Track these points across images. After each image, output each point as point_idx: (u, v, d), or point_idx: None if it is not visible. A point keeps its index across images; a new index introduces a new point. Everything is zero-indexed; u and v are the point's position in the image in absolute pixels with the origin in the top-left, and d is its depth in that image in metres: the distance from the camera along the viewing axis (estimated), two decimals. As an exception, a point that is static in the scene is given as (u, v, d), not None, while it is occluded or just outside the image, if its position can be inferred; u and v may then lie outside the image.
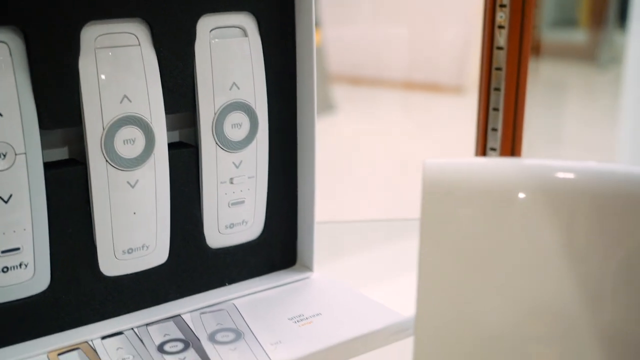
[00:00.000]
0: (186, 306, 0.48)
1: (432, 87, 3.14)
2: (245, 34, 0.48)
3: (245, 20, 0.48)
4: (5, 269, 0.42)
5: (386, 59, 3.16)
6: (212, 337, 0.45)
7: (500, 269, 0.37)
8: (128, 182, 0.45)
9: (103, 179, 0.44)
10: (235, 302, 0.50)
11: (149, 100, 0.45)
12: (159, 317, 0.47)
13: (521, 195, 0.37)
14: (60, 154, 0.45)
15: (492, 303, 0.38)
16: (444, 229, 0.37)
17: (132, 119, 0.44)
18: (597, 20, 3.53)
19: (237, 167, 0.49)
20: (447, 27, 3.11)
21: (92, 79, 0.43)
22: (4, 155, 0.41)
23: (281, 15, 0.50)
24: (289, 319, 0.48)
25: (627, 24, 2.30)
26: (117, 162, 0.44)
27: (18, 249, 0.42)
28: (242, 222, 0.51)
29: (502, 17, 0.60)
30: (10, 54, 0.41)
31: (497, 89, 0.62)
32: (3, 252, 0.42)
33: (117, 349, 0.44)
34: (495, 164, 0.38)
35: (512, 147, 0.63)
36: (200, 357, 0.43)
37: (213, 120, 0.48)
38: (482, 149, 0.64)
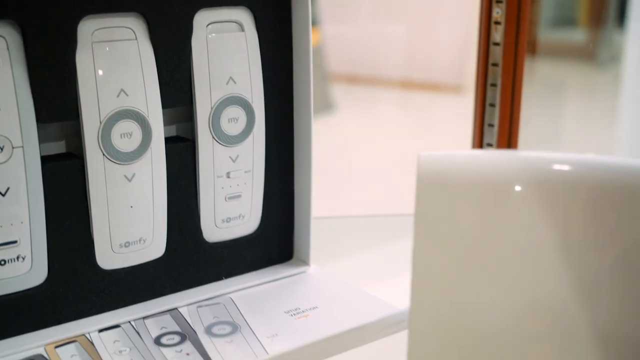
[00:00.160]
0: (183, 299, 0.49)
1: (431, 87, 3.14)
2: (242, 29, 0.49)
3: (242, 15, 0.49)
4: (2, 262, 0.42)
5: (386, 58, 3.16)
6: (208, 330, 0.46)
7: (495, 262, 0.37)
8: (125, 176, 0.45)
9: (100, 172, 0.44)
10: (232, 295, 0.50)
11: (146, 94, 0.45)
12: (156, 311, 0.47)
13: (517, 187, 0.37)
14: (58, 147, 0.45)
15: (486, 296, 0.38)
16: (439, 221, 0.37)
17: (129, 112, 0.45)
18: (596, 19, 3.53)
19: (233, 161, 0.50)
20: (446, 26, 3.11)
21: (89, 73, 0.43)
22: (1, 149, 0.41)
23: (278, 11, 0.50)
24: (285, 312, 0.48)
25: (626, 24, 2.30)
26: (114, 155, 0.45)
27: (15, 242, 0.43)
28: (239, 216, 0.51)
29: (498, 12, 0.61)
30: (8, 48, 0.41)
31: (494, 85, 0.62)
32: (0, 245, 0.42)
33: (114, 341, 0.44)
34: (491, 156, 0.38)
35: (508, 142, 0.63)
36: (197, 349, 0.44)
37: (210, 114, 0.48)
38: (479, 145, 0.64)
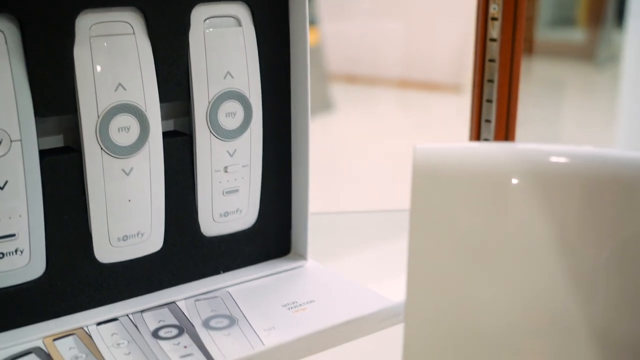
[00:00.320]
0: (181, 293, 0.49)
1: (430, 86, 3.14)
2: (239, 24, 0.49)
3: (239, 10, 0.49)
4: (1, 255, 0.43)
5: (385, 58, 3.16)
6: (206, 323, 0.46)
7: (491, 254, 0.37)
8: (123, 170, 0.45)
9: (98, 166, 0.45)
10: (230, 289, 0.50)
11: (144, 88, 0.45)
12: (153, 304, 0.47)
13: (513, 179, 0.37)
14: (56, 141, 0.45)
15: (482, 289, 0.38)
16: (435, 214, 0.37)
17: (127, 107, 0.45)
18: (595, 19, 3.54)
19: (231, 155, 0.50)
20: (445, 26, 3.11)
21: (87, 67, 0.44)
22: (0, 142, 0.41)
23: (275, 5, 0.50)
24: (282, 306, 0.48)
25: (625, 23, 2.31)
26: (112, 149, 0.45)
27: (14, 235, 0.43)
28: (237, 210, 0.51)
29: (495, 9, 0.61)
30: (6, 42, 0.41)
31: (491, 81, 0.63)
32: (-1, 238, 0.42)
33: (112, 334, 0.44)
34: (487, 148, 0.38)
35: (505, 138, 0.63)
36: (195, 342, 0.44)
37: (207, 109, 0.48)
38: (476, 141, 0.64)
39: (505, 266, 0.37)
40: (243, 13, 0.49)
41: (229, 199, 0.51)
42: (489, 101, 0.63)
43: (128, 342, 0.44)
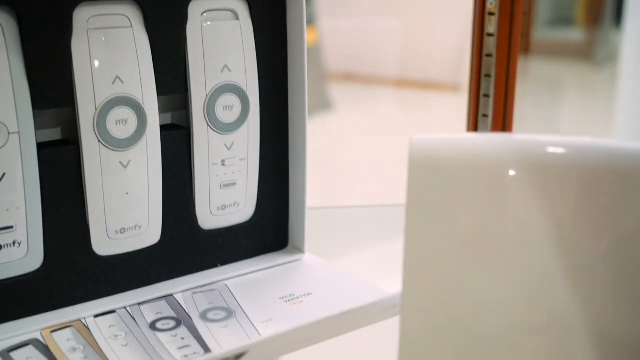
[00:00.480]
0: (178, 286, 0.49)
1: (429, 85, 3.14)
2: (237, 17, 0.49)
3: (237, 4, 0.49)
4: (-2, 247, 0.43)
5: (384, 57, 3.16)
6: (203, 316, 0.46)
7: (487, 245, 0.37)
8: (120, 163, 0.46)
9: (95, 158, 0.45)
10: (227, 282, 0.50)
11: (141, 81, 0.45)
12: (151, 297, 0.48)
13: (510, 169, 0.37)
14: (53, 134, 0.45)
15: (479, 280, 0.38)
16: (431, 204, 0.37)
17: (124, 99, 0.45)
18: (594, 18, 3.54)
19: (228, 149, 0.50)
20: (444, 25, 3.11)
21: (85, 60, 0.44)
22: (-2, 134, 0.41)
23: (272, -1, 0.50)
24: (280, 299, 0.48)
25: (623, 23, 2.31)
26: (109, 142, 0.45)
27: (12, 227, 0.43)
28: (234, 204, 0.51)
29: (492, 3, 0.61)
30: (4, 35, 0.41)
31: (488, 76, 0.63)
32: (-3, 230, 0.42)
33: (110, 326, 0.45)
34: (484, 138, 0.38)
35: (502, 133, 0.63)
36: (192, 334, 0.44)
37: (205, 102, 0.48)
38: (473, 136, 0.64)
39: (502, 257, 0.37)
40: (240, 7, 0.49)
41: (226, 193, 0.51)
42: (486, 96, 0.63)
43: (126, 333, 0.44)
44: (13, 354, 0.41)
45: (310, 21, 2.77)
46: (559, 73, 3.32)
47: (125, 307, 0.47)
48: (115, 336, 0.44)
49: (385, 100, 3.05)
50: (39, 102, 0.43)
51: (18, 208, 0.43)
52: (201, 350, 0.42)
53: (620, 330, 0.36)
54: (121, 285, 0.48)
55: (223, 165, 0.50)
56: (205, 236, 0.51)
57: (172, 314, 0.46)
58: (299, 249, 0.54)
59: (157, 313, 0.46)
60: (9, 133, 0.42)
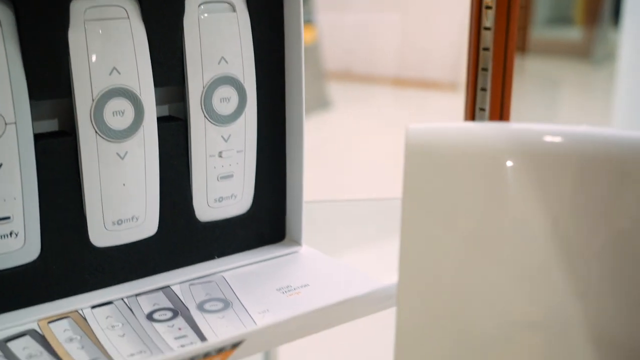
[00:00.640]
0: (175, 278, 0.49)
1: (428, 84, 3.15)
2: (234, 9, 0.49)
3: (234, -4, 0.49)
4: (-5, 238, 0.43)
5: (383, 56, 3.16)
6: (200, 307, 0.46)
7: (484, 234, 0.37)
8: (117, 154, 0.46)
9: (92, 149, 0.45)
10: (224, 274, 0.50)
11: (138, 72, 0.46)
12: (148, 288, 0.48)
13: (507, 158, 0.37)
14: (50, 125, 0.45)
15: (475, 268, 0.38)
16: (427, 192, 0.37)
17: (121, 90, 0.45)
18: (592, 18, 3.54)
19: (225, 140, 0.50)
20: (443, 25, 3.11)
21: (82, 51, 0.44)
22: (-6, 124, 0.41)
23: (269, -9, 0.50)
24: (277, 290, 0.48)
25: (621, 22, 2.31)
26: (106, 133, 0.45)
27: (8, 217, 0.43)
28: (231, 195, 0.51)
29: (489, -3, 0.61)
30: (1, 26, 0.41)
31: (485, 69, 0.63)
32: (-7, 220, 0.42)
33: (107, 317, 0.45)
34: (480, 127, 0.38)
35: (499, 127, 0.64)
36: (189, 324, 0.44)
37: (202, 93, 0.48)
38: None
39: (499, 245, 0.37)
40: (237, -2, 0.49)
41: (223, 184, 0.51)
42: (483, 90, 0.63)
43: (122, 324, 0.44)
44: (10, 344, 0.41)
45: (309, 20, 2.77)
46: (557, 72, 3.33)
47: (122, 298, 0.47)
48: (112, 327, 0.44)
49: (383, 99, 3.05)
50: (36, 93, 0.43)
51: (15, 199, 0.43)
52: (198, 340, 0.42)
53: (617, 326, 0.36)
54: (118, 276, 0.48)
55: (220, 157, 0.50)
56: (203, 228, 0.51)
57: (169, 304, 0.46)
58: (296, 242, 0.54)
59: (154, 304, 0.46)
60: (5, 124, 0.42)
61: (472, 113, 0.64)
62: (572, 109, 2.87)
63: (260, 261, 0.52)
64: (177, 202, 0.49)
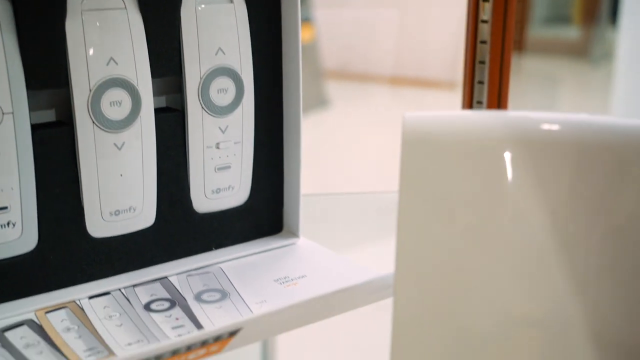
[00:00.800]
0: (173, 269, 0.49)
1: (427, 83, 3.15)
2: (231, 0, 0.49)
3: (231, -13, 0.49)
4: (-7, 227, 0.43)
5: (381, 55, 3.16)
6: (198, 297, 0.46)
7: (480, 222, 0.37)
8: (115, 144, 0.46)
9: (90, 140, 0.45)
10: (222, 265, 0.50)
11: (135, 63, 0.46)
12: (145, 279, 0.48)
13: (504, 145, 0.37)
14: (48, 116, 0.45)
15: (472, 256, 0.37)
16: (424, 180, 0.37)
17: (119, 81, 0.45)
18: (590, 17, 3.55)
19: (223, 132, 0.50)
20: (441, 24, 3.12)
21: (79, 41, 0.44)
22: (-9, 114, 0.41)
23: (266, -17, 0.50)
24: (274, 281, 0.48)
25: (619, 21, 2.31)
26: (103, 123, 0.45)
27: (6, 207, 0.43)
28: (229, 187, 0.51)
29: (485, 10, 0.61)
30: (-2, 15, 0.41)
31: (482, 62, 0.63)
32: (-9, 210, 0.42)
33: (104, 307, 0.45)
34: (478, 115, 0.38)
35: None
36: (187, 314, 0.44)
37: (199, 85, 0.48)
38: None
39: (495, 233, 0.37)
40: (234, -10, 0.49)
41: (221, 176, 0.51)
42: (481, 83, 0.63)
43: (120, 314, 0.44)
44: (7, 334, 0.41)
45: (307, 18, 2.77)
46: (555, 71, 3.33)
47: (119, 289, 0.47)
48: (110, 317, 0.44)
49: (381, 98, 3.05)
50: (33, 82, 0.43)
51: (12, 189, 0.43)
52: (195, 330, 0.42)
53: (615, 322, 0.36)
54: (116, 267, 0.48)
55: (217, 148, 0.50)
56: (200, 219, 0.51)
57: (167, 295, 0.46)
58: (294, 234, 0.54)
59: (152, 295, 0.46)
60: (2, 113, 0.42)
61: (469, 106, 0.64)
62: (570, 107, 2.87)
63: (258, 252, 0.52)
64: (174, 193, 0.49)
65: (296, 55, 0.51)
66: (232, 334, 0.38)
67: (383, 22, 3.12)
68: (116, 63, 0.45)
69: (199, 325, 0.43)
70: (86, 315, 0.44)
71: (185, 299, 0.46)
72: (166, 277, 0.48)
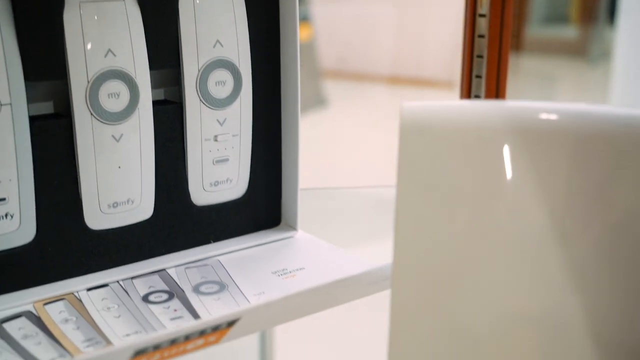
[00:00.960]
0: (171, 261, 0.49)
1: (425, 82, 3.15)
2: (229, -7, 0.49)
3: (229, -21, 0.49)
4: (-10, 219, 0.43)
5: (379, 54, 3.16)
6: (196, 289, 0.46)
7: (479, 212, 0.37)
8: (113, 136, 0.46)
9: (88, 132, 0.45)
10: (220, 258, 0.50)
11: (133, 55, 0.46)
12: (144, 271, 0.48)
13: (502, 135, 0.37)
14: (46, 108, 0.45)
15: (470, 247, 0.37)
16: (422, 170, 0.37)
17: (117, 73, 0.45)
18: (588, 16, 3.55)
19: (221, 124, 0.50)
20: (439, 24, 3.12)
21: (77, 32, 0.44)
22: (-11, 105, 0.41)
23: (264, -25, 0.50)
24: (272, 273, 0.48)
25: (617, 21, 2.32)
26: (102, 115, 0.45)
27: (4, 199, 0.43)
28: (227, 180, 0.51)
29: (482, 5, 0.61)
30: (-4, 6, 0.41)
31: (480, 57, 0.63)
32: (-11, 201, 0.42)
33: (102, 299, 0.45)
34: (475, 105, 0.38)
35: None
36: (185, 306, 0.44)
37: (197, 77, 0.48)
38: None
39: (493, 222, 0.37)
40: (232, -18, 0.49)
41: (219, 168, 0.51)
42: (479, 77, 0.64)
43: (118, 305, 0.44)
44: (5, 325, 0.41)
45: (305, 17, 2.77)
46: (553, 70, 3.33)
47: (117, 281, 0.47)
48: (108, 308, 0.44)
49: (380, 97, 3.05)
50: (31, 74, 0.43)
51: (10, 180, 0.43)
52: (193, 321, 0.42)
53: (613, 319, 0.36)
54: (114, 259, 0.48)
55: (215, 140, 0.50)
56: (198, 212, 0.51)
57: (165, 287, 0.46)
58: (292, 227, 0.54)
59: (150, 286, 0.46)
60: (0, 105, 0.42)
61: (467, 98, 0.64)
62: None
63: (256, 245, 0.52)
64: (172, 186, 0.49)
65: (294, 49, 0.51)
66: (231, 324, 0.38)
67: (381, 22, 3.12)
68: (114, 55, 0.45)
69: (197, 317, 0.43)
70: (84, 306, 0.44)
71: (183, 290, 0.46)
72: (164, 270, 0.48)
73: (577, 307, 0.36)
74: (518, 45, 3.34)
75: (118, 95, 0.45)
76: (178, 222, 0.50)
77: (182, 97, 0.49)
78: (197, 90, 0.49)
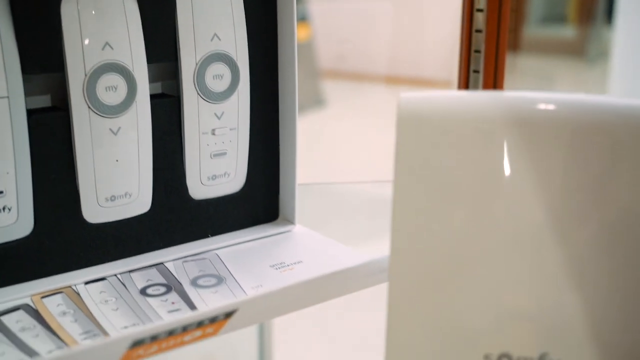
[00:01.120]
0: (169, 255, 0.49)
1: (423, 82, 3.15)
2: (226, -14, 0.49)
3: (226, -27, 0.49)
4: (-12, 212, 0.43)
5: (377, 54, 3.16)
6: (194, 282, 0.46)
7: (476, 202, 0.37)
8: (110, 130, 0.46)
9: (85, 125, 0.45)
10: (218, 252, 0.50)
11: (131, 48, 0.46)
12: (141, 265, 0.48)
13: (499, 125, 0.37)
14: (43, 101, 0.45)
15: (468, 238, 0.37)
16: (419, 161, 0.37)
17: (114, 66, 0.45)
18: (586, 16, 3.55)
19: (218, 118, 0.50)
20: (437, 24, 3.12)
21: (74, 25, 0.44)
22: (-13, 98, 0.41)
23: (262, -31, 0.50)
24: (270, 266, 0.48)
25: (614, 20, 2.32)
26: (99, 108, 0.45)
27: (1, 192, 0.43)
28: (224, 174, 0.51)
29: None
30: (-7, -1, 0.41)
31: (478, 51, 0.63)
32: (-14, 194, 0.42)
33: (100, 292, 0.45)
34: (473, 95, 0.38)
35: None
36: (183, 299, 0.44)
37: (194, 70, 0.48)
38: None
39: (490, 213, 0.37)
40: (230, -24, 0.49)
41: (216, 162, 0.51)
42: (476, 72, 0.64)
43: (116, 298, 0.44)
44: (3, 318, 0.41)
45: (303, 17, 2.77)
46: (551, 70, 3.33)
47: (115, 275, 0.47)
48: (106, 301, 0.44)
49: (378, 97, 3.05)
50: (28, 67, 0.43)
51: (8, 173, 0.43)
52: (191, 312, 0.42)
53: (612, 317, 0.36)
54: (111, 253, 0.48)
55: (213, 134, 0.50)
56: (196, 206, 0.51)
57: (163, 280, 0.46)
58: (290, 221, 0.54)
59: (148, 280, 0.46)
60: (-2, 97, 0.42)
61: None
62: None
63: (254, 239, 0.52)
64: (170, 180, 0.49)
65: (292, 43, 0.51)
66: (228, 315, 0.38)
67: (380, 22, 3.12)
68: (111, 48, 0.45)
69: (194, 309, 0.43)
70: (82, 299, 0.44)
71: (181, 283, 0.46)
72: (162, 263, 0.48)
73: (575, 303, 0.36)
74: (516, 45, 3.35)
75: (115, 89, 0.45)
76: (176, 216, 0.50)
77: (180, 90, 0.49)
78: (194, 84, 0.48)
